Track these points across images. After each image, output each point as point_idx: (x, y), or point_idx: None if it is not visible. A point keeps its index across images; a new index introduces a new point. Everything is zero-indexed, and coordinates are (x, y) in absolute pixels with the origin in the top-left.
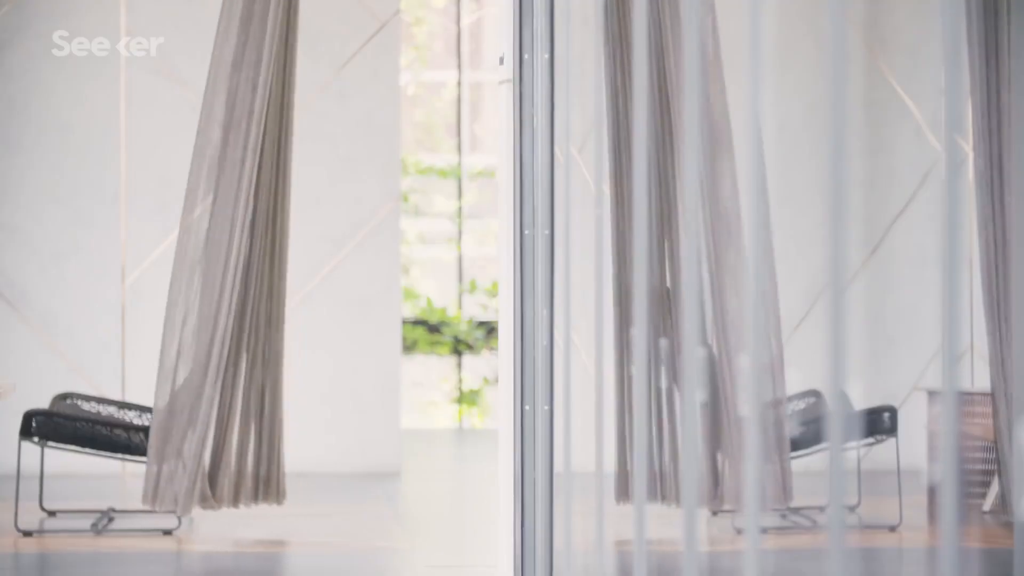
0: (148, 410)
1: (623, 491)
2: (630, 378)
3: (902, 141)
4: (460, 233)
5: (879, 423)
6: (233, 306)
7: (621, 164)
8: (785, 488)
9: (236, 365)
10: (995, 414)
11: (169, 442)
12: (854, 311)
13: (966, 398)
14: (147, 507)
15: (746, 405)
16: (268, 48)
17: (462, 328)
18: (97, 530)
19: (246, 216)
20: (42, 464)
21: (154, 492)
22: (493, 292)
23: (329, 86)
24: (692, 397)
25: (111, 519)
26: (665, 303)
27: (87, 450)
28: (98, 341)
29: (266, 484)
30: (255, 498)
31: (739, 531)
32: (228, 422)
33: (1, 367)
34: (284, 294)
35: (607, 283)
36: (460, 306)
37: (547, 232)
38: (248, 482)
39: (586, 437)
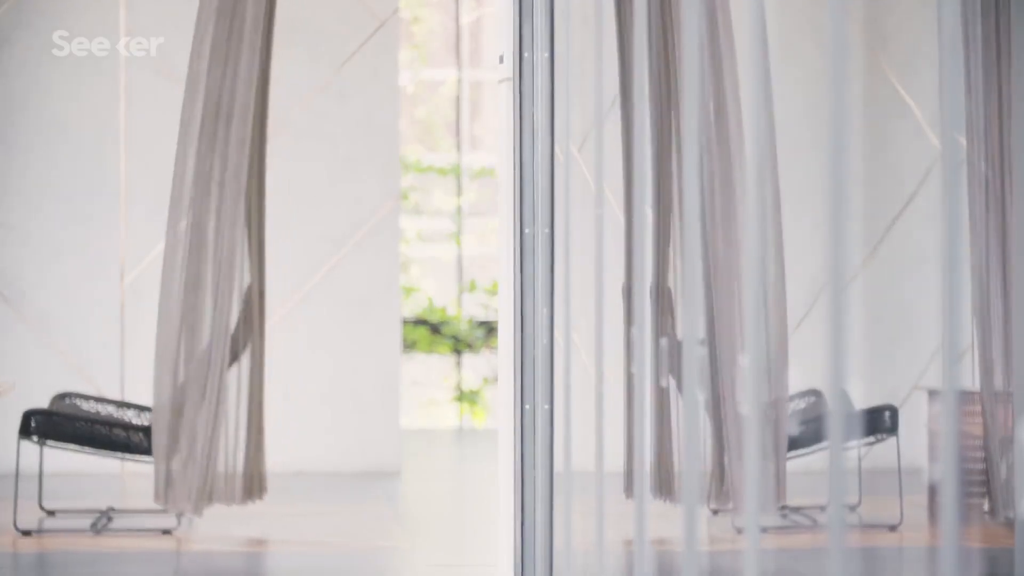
0: (147, 409)
1: (631, 487)
2: (634, 375)
3: (903, 140)
4: (460, 232)
5: (880, 422)
6: (235, 303)
7: (632, 160)
8: (779, 489)
9: (231, 364)
10: (983, 414)
11: (178, 441)
12: (855, 310)
13: (967, 397)
14: (159, 506)
15: (746, 404)
16: (250, 42)
17: (462, 328)
18: (96, 529)
19: (238, 213)
20: (41, 463)
21: (166, 491)
22: (493, 291)
23: (328, 85)
24: (694, 395)
25: (110, 518)
26: (667, 300)
27: (86, 448)
28: (97, 340)
29: (258, 481)
30: (247, 496)
31: (739, 530)
32: (224, 421)
33: (0, 366)
34: (264, 291)
35: (610, 281)
36: (460, 305)
37: (547, 231)
38: (241, 480)
39: (586, 436)
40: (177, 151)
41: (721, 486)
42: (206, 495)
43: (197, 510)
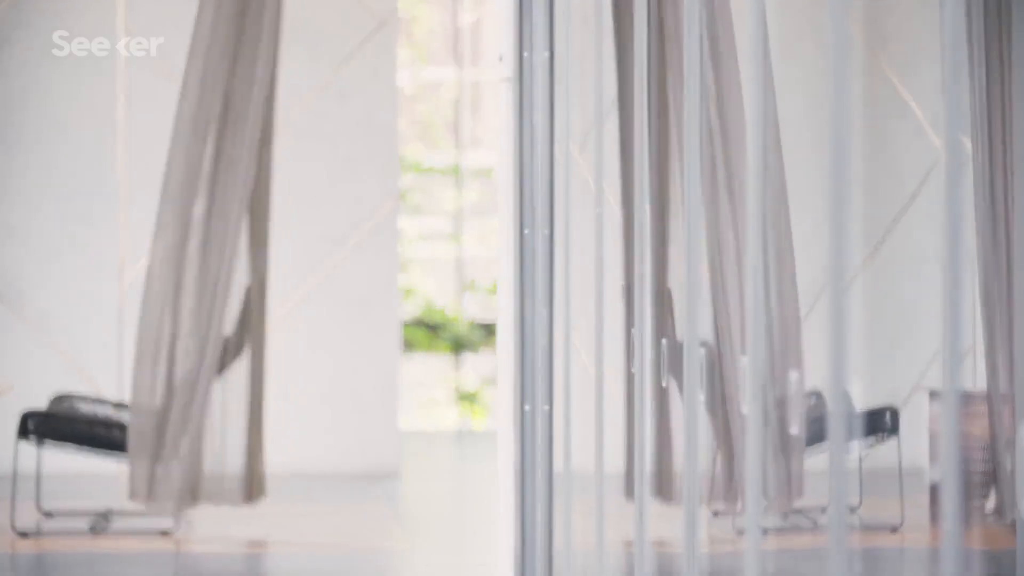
0: None
1: (631, 488)
2: (634, 375)
3: (904, 139)
4: (459, 233)
5: (881, 423)
6: (230, 306)
7: (632, 160)
8: (793, 489)
9: (226, 365)
10: (991, 415)
11: (164, 441)
12: (856, 310)
13: (969, 398)
14: (139, 505)
15: (750, 403)
16: (265, 44)
17: (462, 330)
18: (95, 531)
19: (241, 215)
20: (39, 465)
21: (148, 490)
22: (493, 292)
23: (328, 85)
24: (694, 395)
25: (109, 520)
26: (668, 300)
27: (84, 449)
28: (96, 340)
29: (258, 482)
30: (246, 497)
31: (740, 532)
32: (217, 421)
33: None
34: (266, 293)
35: (610, 281)
36: (460, 306)
37: (547, 232)
38: (239, 482)
39: (586, 437)
40: (170, 152)
41: (730, 487)
42: (189, 496)
43: (179, 510)
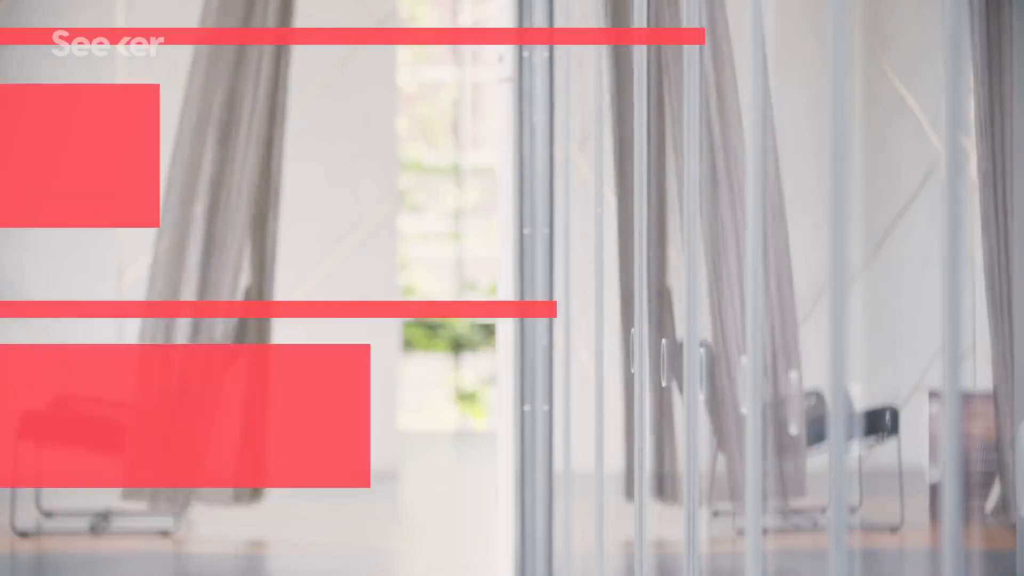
0: None
1: (631, 489)
2: (634, 375)
3: (904, 140)
4: (460, 232)
5: (881, 423)
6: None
7: (632, 159)
8: (793, 488)
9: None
10: (997, 414)
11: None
12: (856, 311)
13: (969, 398)
14: (133, 505)
15: (750, 403)
16: (268, 47)
17: (462, 330)
18: (95, 531)
19: (245, 214)
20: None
21: (142, 491)
22: (493, 292)
23: (327, 84)
24: (694, 395)
25: (108, 520)
26: (667, 300)
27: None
28: (95, 340)
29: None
30: (245, 497)
31: (740, 532)
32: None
33: None
34: (270, 293)
35: (610, 281)
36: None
37: (547, 232)
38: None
39: (586, 437)
40: (173, 152)
41: (730, 487)
42: (184, 497)
43: (174, 511)
